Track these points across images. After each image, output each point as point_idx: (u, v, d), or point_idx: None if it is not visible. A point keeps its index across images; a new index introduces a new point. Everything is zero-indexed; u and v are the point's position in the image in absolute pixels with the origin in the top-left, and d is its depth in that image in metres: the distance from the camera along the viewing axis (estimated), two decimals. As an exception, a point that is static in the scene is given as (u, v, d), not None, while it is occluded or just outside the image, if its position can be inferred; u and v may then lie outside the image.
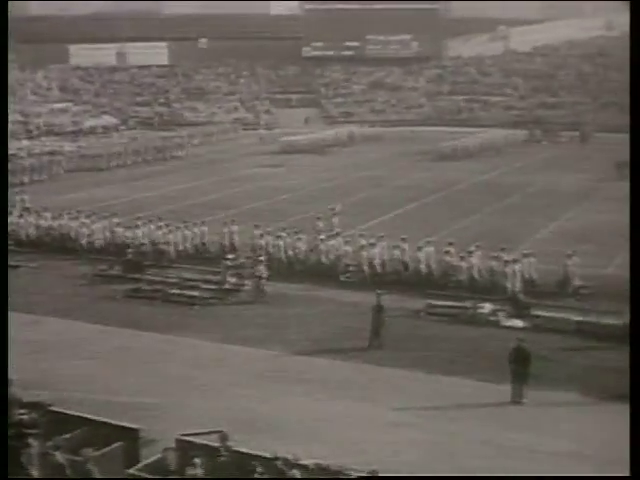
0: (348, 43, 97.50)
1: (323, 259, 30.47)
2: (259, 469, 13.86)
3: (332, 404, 19.72)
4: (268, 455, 14.24)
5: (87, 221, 34.28)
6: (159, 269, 31.05)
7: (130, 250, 32.00)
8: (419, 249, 29.27)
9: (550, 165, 56.76)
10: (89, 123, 76.48)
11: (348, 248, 30.39)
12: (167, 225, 32.91)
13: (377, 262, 29.62)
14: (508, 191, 46.20)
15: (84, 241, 33.71)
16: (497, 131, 68.65)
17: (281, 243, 31.03)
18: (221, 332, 24.77)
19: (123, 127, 77.46)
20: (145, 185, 49.73)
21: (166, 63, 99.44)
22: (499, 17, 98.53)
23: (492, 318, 25.69)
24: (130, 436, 15.39)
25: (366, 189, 47.07)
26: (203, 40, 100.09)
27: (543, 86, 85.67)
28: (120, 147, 61.60)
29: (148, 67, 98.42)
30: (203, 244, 32.86)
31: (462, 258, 28.38)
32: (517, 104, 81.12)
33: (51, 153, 57.54)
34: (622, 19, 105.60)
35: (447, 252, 28.78)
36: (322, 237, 31.38)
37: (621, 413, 19.03)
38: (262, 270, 28.00)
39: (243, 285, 28.93)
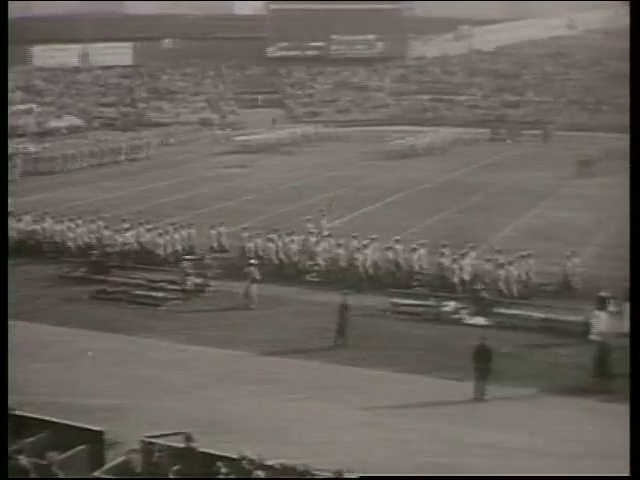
0: (313, 43, 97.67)
1: (319, 261, 30.34)
2: (224, 469, 13.92)
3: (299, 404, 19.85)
4: (234, 456, 14.29)
5: (73, 225, 33.77)
6: (125, 270, 30.92)
7: (95, 252, 31.88)
8: (414, 250, 29.24)
9: (513, 163, 57.24)
10: (53, 124, 75.90)
11: (341, 250, 30.15)
12: (156, 228, 32.76)
13: (369, 263, 29.47)
14: (473, 189, 46.58)
15: (71, 244, 33.21)
16: (456, 130, 69.31)
17: (272, 245, 30.88)
18: (187, 333, 24.77)
19: (88, 128, 76.91)
20: (110, 186, 49.43)
21: (131, 63, 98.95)
22: (461, 17, 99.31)
23: (455, 316, 25.92)
24: (95, 439, 15.38)
25: (330, 189, 47.15)
26: (168, 40, 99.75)
27: (507, 85, 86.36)
28: (83, 148, 61.09)
29: (112, 67, 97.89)
30: (190, 247, 32.66)
31: (454, 260, 28.23)
32: (481, 103, 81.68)
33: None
34: (583, 18, 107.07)
35: (442, 254, 28.57)
36: (313, 239, 31.28)
37: (584, 408, 19.41)
38: (254, 273, 27.86)
39: (208, 286, 28.96)
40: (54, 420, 15.75)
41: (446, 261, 28.31)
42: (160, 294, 28.30)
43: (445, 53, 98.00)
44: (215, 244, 32.71)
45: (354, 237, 30.65)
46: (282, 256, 30.64)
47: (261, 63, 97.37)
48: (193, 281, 28.85)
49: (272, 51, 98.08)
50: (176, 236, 32.41)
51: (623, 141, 66.90)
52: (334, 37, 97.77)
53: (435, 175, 52.15)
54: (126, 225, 33.01)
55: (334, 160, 59.34)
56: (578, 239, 34.26)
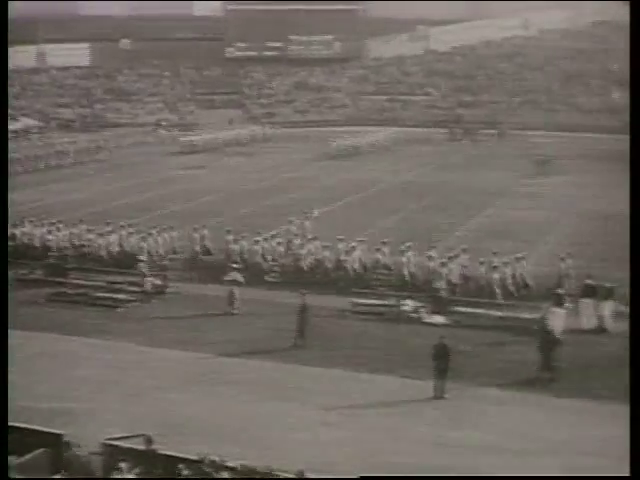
0: (271, 44, 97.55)
1: (302, 264, 30.13)
2: (185, 472, 13.96)
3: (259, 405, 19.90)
4: (194, 457, 14.32)
5: (53, 228, 33.17)
6: (82, 272, 30.70)
7: (52, 253, 31.64)
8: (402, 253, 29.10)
9: (470, 163, 57.70)
10: (10, 127, 74.86)
11: (327, 253, 29.96)
12: (139, 232, 32.47)
13: (357, 265, 29.30)
14: (430, 189, 46.91)
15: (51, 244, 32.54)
16: (411, 130, 69.87)
17: (258, 248, 30.67)
18: (146, 335, 24.71)
19: (45, 129, 76.12)
20: (63, 188, 48.97)
21: (88, 64, 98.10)
22: (418, 17, 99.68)
23: (414, 315, 26.10)
24: (54, 442, 15.31)
25: (287, 190, 47.25)
26: (125, 41, 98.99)
27: (463, 85, 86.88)
28: (39, 150, 60.48)
29: (69, 68, 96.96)
30: (174, 250, 32.39)
31: (444, 264, 27.88)
32: (438, 103, 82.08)
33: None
34: (537, 19, 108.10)
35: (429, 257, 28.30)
36: (298, 242, 31.14)
37: (540, 404, 19.70)
38: (237, 276, 27.61)
39: (167, 287, 28.89)
40: (12, 424, 15.63)
41: (433, 264, 27.96)
42: (120, 296, 28.18)
43: (402, 54, 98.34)
44: (198, 247, 32.30)
45: (340, 240, 30.37)
46: (263, 260, 30.48)
47: (219, 64, 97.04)
48: (152, 282, 28.76)
49: (230, 52, 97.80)
50: (159, 239, 32.08)
51: (576, 140, 67.46)
52: (292, 38, 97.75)
53: (392, 175, 52.45)
54: (109, 228, 32.69)
55: (288, 160, 59.42)
56: (534, 238, 34.70)
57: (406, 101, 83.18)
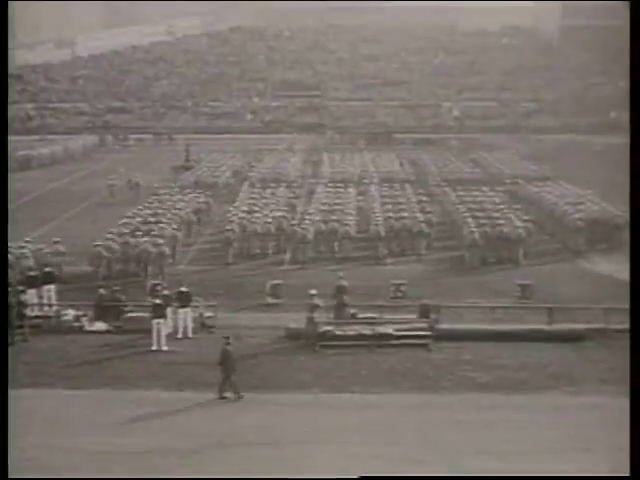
0: None
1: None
2: None
3: None
4: None
5: None
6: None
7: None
8: None
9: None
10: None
11: None
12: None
13: None
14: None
15: None
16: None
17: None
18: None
19: None
20: None
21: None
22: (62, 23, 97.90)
23: (76, 324, 25.75)
24: None
25: None
26: None
27: (111, 91, 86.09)
28: None
29: None
30: None
31: None
32: (86, 110, 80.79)
33: None
34: (181, 25, 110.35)
35: None
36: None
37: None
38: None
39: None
40: None
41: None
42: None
43: (48, 60, 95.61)
44: None
45: None
46: None
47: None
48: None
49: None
50: None
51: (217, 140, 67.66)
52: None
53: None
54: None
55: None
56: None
57: (55, 108, 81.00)
